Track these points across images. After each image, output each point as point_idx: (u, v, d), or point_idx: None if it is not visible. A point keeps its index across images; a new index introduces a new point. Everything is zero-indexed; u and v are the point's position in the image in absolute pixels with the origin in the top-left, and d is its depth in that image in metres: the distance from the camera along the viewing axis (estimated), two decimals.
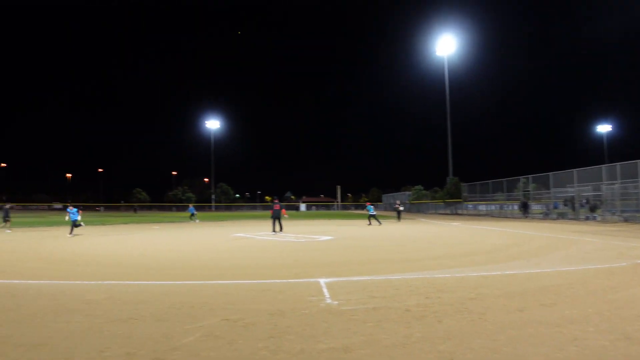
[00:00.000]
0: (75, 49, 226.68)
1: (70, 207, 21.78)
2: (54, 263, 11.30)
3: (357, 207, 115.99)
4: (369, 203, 33.41)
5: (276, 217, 22.14)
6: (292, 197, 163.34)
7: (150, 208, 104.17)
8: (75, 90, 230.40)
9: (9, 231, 24.45)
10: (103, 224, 34.07)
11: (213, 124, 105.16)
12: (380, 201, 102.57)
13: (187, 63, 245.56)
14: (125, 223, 35.66)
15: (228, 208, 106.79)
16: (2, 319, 5.79)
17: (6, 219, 25.45)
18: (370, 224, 30.01)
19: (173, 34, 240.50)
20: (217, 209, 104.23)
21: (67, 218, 21.67)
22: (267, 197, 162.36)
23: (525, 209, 41.26)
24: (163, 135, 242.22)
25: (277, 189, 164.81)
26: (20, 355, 4.52)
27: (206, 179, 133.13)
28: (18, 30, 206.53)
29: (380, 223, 30.23)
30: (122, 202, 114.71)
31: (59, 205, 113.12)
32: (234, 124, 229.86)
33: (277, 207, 22.22)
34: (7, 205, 26.70)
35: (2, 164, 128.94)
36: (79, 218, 21.91)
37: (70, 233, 21.15)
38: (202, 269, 10.24)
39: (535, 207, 42.03)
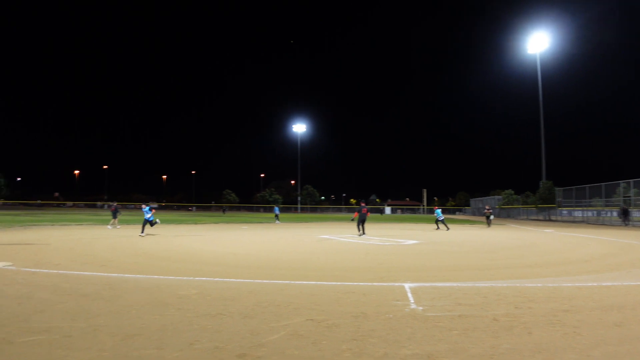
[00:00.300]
0: (175, 55, 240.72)
1: (144, 206, 20.83)
2: (151, 259, 12.02)
3: (444, 211, 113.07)
4: (437, 207, 32.54)
5: (362, 220, 22.19)
6: (377, 200, 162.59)
7: (238, 209, 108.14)
8: (170, 93, 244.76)
9: (118, 227, 26.91)
10: (195, 223, 35.82)
11: (300, 128, 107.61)
12: (468, 205, 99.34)
13: (277, 68, 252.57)
14: (216, 223, 37.25)
15: (313, 210, 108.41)
16: (101, 310, 6.23)
17: (115, 216, 27.63)
18: (438, 228, 29.51)
19: (264, 41, 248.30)
20: (303, 210, 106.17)
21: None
22: (352, 200, 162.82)
23: (625, 216, 38.20)
24: (252, 139, 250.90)
25: (362, 191, 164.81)
26: (116, 343, 4.84)
27: (293, 181, 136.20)
28: (134, 35, 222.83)
29: (448, 228, 29.33)
30: (213, 202, 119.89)
31: (154, 205, 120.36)
32: (320, 127, 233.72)
33: (364, 210, 22.26)
34: (115, 204, 29.02)
35: (104, 166, 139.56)
36: (150, 216, 20.41)
37: (142, 232, 20.00)
38: (287, 269, 10.45)
39: (636, 214, 38.88)
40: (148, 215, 20.35)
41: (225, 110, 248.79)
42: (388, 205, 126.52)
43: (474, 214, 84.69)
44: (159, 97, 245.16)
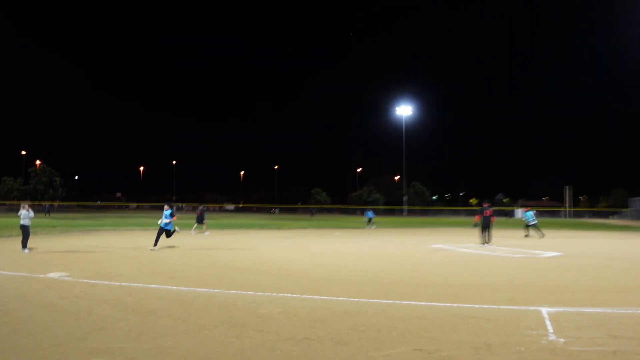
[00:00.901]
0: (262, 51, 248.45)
1: (166, 207, 18.20)
2: (227, 270, 12.55)
3: (594, 215, 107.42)
4: (528, 209, 30.82)
5: (486, 226, 21.68)
6: (505, 199, 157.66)
7: (330, 211, 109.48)
8: (254, 77, 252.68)
9: (207, 233, 28.20)
10: (279, 228, 36.85)
11: (405, 111, 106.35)
12: (626, 207, 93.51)
13: (377, 45, 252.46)
14: (303, 228, 38.12)
15: (423, 212, 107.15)
16: (170, 329, 6.54)
17: (201, 220, 29.20)
18: (527, 235, 28.66)
19: (368, 11, 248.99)
20: (410, 213, 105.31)
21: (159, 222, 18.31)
22: (471, 200, 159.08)
23: None
24: (346, 128, 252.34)
25: (486, 189, 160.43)
26: None
27: (396, 177, 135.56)
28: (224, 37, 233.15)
29: (542, 235, 27.73)
30: (300, 203, 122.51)
31: (230, 207, 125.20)
32: (430, 110, 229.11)
33: (487, 212, 21.72)
34: (201, 206, 30.57)
35: (173, 161, 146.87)
36: (169, 223, 18.05)
37: (155, 245, 17.63)
38: (392, 285, 10.44)
39: None
40: (166, 221, 17.97)
41: (315, 95, 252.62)
42: (520, 207, 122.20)
43: (634, 218, 79.54)
44: (234, 80, 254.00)
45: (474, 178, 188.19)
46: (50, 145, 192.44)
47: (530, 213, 29.33)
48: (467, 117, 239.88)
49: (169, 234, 18.13)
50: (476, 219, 22.39)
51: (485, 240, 21.55)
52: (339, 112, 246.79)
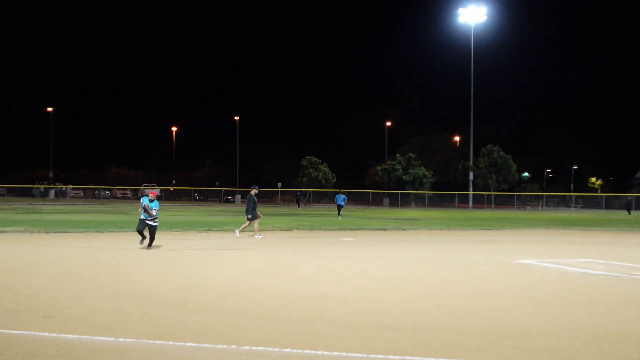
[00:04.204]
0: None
1: (151, 192, 23.10)
2: (148, 305, 12.63)
3: None
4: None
5: None
6: None
7: (334, 197, 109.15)
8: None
9: (258, 237, 30.34)
10: (241, 229, 36.74)
11: (473, 16, 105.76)
12: None
13: None
14: (285, 229, 37.89)
15: (505, 201, 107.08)
16: None
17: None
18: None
19: None
20: (480, 202, 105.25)
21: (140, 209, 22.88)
22: (592, 179, 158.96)
23: None
24: (370, 45, 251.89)
25: (618, 161, 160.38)
26: None
27: (457, 137, 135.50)
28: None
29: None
30: (280, 185, 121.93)
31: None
32: (521, 22, 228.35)
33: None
34: (253, 191, 31.80)
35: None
36: (151, 211, 22.38)
37: (147, 244, 22.56)
38: (440, 332, 10.52)
39: None
40: (151, 212, 22.30)
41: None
42: None
43: None
44: None
45: (597, 142, 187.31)
46: None
47: None
48: (579, 36, 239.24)
49: (152, 236, 22.27)
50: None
51: None
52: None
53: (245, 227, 30.88)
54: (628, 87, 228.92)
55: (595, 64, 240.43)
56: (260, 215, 31.49)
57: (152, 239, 21.82)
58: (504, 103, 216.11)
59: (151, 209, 21.45)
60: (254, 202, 30.72)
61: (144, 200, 21.75)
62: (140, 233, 21.97)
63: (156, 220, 21.91)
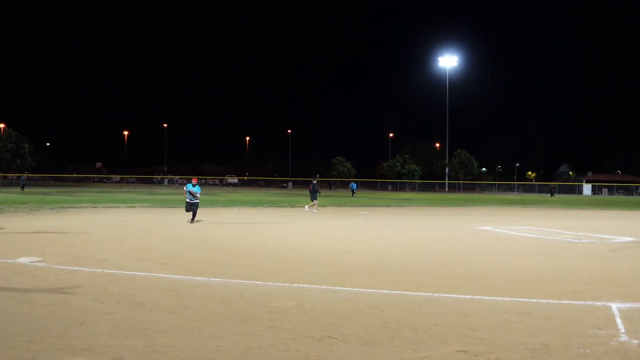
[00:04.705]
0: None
1: (194, 180, 22.00)
2: (231, 256, 12.68)
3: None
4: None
5: None
6: (571, 173, 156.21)
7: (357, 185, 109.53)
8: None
9: (315, 211, 30.15)
10: (292, 205, 36.79)
11: (449, 62, 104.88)
12: None
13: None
14: (322, 205, 37.99)
15: (469, 188, 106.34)
16: (163, 324, 6.57)
17: (316, 196, 31.23)
18: None
19: None
20: (452, 188, 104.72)
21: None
22: (529, 173, 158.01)
23: None
24: (376, 84, 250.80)
25: (547, 160, 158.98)
26: None
27: (437, 144, 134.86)
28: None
29: None
30: (317, 176, 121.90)
31: (233, 180, 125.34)
32: (480, 61, 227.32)
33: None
34: (315, 180, 32.10)
35: (164, 124, 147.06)
36: (192, 194, 21.33)
37: (191, 219, 21.19)
38: (428, 275, 10.48)
39: None
40: (196, 194, 21.29)
41: (337, 41, 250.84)
42: (587, 182, 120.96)
43: None
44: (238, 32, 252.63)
45: (532, 146, 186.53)
46: (16, 105, 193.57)
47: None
48: (523, 69, 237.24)
49: (194, 213, 21.16)
50: None
51: None
52: (367, 66, 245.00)
53: (312, 205, 30.70)
54: (555, 109, 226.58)
55: (536, 95, 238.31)
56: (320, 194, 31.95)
57: (194, 214, 21.04)
58: (470, 120, 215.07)
59: (196, 192, 20.98)
60: (315, 187, 30.94)
61: (188, 187, 21.09)
62: (190, 211, 21.02)
63: (197, 199, 21.22)
